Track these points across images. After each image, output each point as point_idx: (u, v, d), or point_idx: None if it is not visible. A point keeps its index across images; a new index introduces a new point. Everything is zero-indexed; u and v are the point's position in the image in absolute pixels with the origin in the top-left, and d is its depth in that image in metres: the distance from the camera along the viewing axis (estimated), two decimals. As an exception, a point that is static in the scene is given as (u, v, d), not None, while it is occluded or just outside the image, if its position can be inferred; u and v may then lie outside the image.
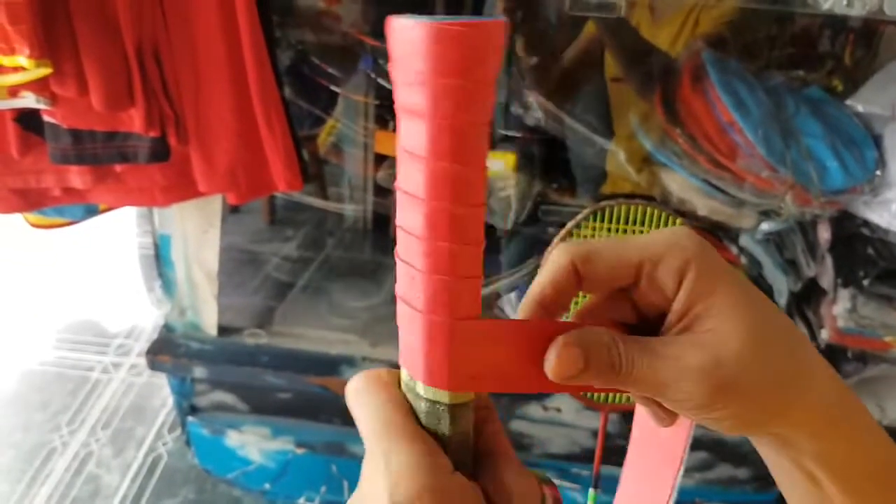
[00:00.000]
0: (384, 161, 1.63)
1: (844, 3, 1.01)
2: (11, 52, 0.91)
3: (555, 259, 0.34)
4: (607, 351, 0.32)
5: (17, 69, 0.93)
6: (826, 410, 0.32)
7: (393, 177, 1.59)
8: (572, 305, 0.35)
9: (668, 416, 0.35)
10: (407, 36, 0.26)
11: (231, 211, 1.87)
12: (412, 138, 0.28)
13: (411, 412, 0.33)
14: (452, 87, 0.26)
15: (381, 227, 1.84)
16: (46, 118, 1.08)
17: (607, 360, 0.31)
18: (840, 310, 1.31)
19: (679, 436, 0.38)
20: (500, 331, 0.32)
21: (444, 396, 0.32)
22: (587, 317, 0.35)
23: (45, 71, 0.94)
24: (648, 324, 0.35)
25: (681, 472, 0.38)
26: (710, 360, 0.30)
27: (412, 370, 0.32)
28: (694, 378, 0.30)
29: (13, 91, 0.96)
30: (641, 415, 0.39)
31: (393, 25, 0.27)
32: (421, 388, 0.32)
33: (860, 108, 1.30)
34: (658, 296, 0.33)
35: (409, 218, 0.30)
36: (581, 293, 0.34)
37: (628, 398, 0.39)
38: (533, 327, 0.33)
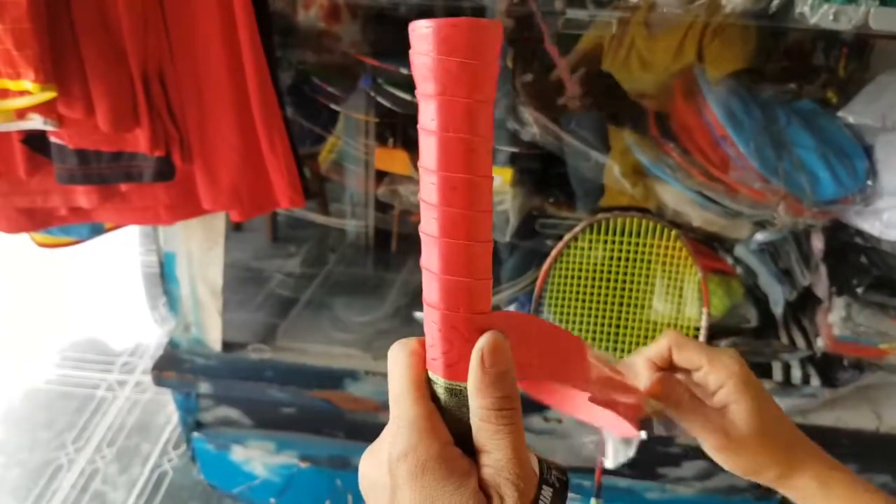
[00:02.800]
0: (385, 177, 1.65)
1: (830, 17, 1.03)
2: (17, 76, 0.93)
3: (662, 337, 0.57)
4: (683, 391, 0.55)
5: (22, 93, 0.95)
6: (824, 464, 0.52)
7: (393, 192, 1.61)
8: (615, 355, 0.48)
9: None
10: (423, 32, 0.32)
11: (234, 228, 1.89)
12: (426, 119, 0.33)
13: (426, 384, 0.37)
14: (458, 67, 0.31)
15: (383, 243, 1.85)
16: (53, 139, 1.09)
17: (680, 395, 0.55)
18: (835, 318, 1.33)
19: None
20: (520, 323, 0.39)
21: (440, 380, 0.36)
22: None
23: (50, 95, 0.95)
24: None
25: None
26: (751, 422, 0.52)
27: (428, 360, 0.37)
28: (749, 425, 0.53)
29: (20, 113, 0.97)
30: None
31: (413, 26, 0.33)
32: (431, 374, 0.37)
33: (851, 120, 1.31)
34: (699, 389, 0.56)
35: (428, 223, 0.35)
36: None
37: None
38: (559, 333, 0.43)
